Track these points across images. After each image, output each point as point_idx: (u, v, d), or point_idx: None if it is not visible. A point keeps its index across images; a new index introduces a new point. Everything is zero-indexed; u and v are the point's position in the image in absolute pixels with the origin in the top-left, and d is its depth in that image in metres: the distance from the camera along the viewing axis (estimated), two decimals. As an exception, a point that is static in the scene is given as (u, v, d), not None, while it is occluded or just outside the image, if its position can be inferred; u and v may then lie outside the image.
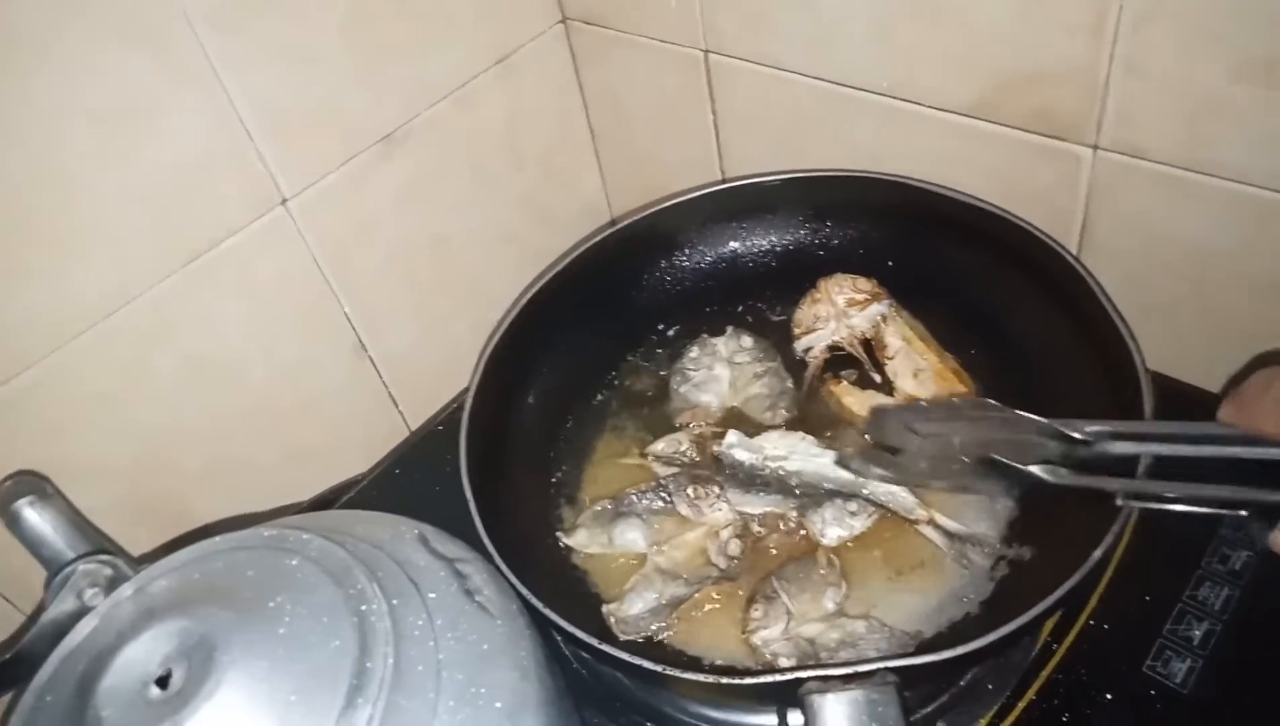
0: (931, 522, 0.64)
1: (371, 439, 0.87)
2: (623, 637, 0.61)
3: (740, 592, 0.64)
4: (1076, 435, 0.54)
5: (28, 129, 0.60)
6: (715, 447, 0.69)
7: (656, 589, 0.64)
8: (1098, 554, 0.51)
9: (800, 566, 0.64)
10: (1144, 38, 0.60)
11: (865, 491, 0.65)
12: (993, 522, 0.64)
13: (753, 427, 0.71)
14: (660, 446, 0.71)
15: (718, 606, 0.64)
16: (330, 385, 0.83)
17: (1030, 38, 0.64)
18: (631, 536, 0.67)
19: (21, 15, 0.57)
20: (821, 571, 0.63)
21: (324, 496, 0.83)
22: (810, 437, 0.69)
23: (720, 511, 0.67)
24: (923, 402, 0.68)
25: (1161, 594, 0.61)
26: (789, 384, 0.75)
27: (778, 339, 0.78)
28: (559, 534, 0.68)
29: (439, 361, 0.90)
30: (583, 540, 0.68)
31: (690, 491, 0.67)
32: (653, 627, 0.62)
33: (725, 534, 0.66)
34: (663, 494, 0.68)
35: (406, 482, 0.80)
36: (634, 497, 0.68)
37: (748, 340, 0.77)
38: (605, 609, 0.63)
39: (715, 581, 0.64)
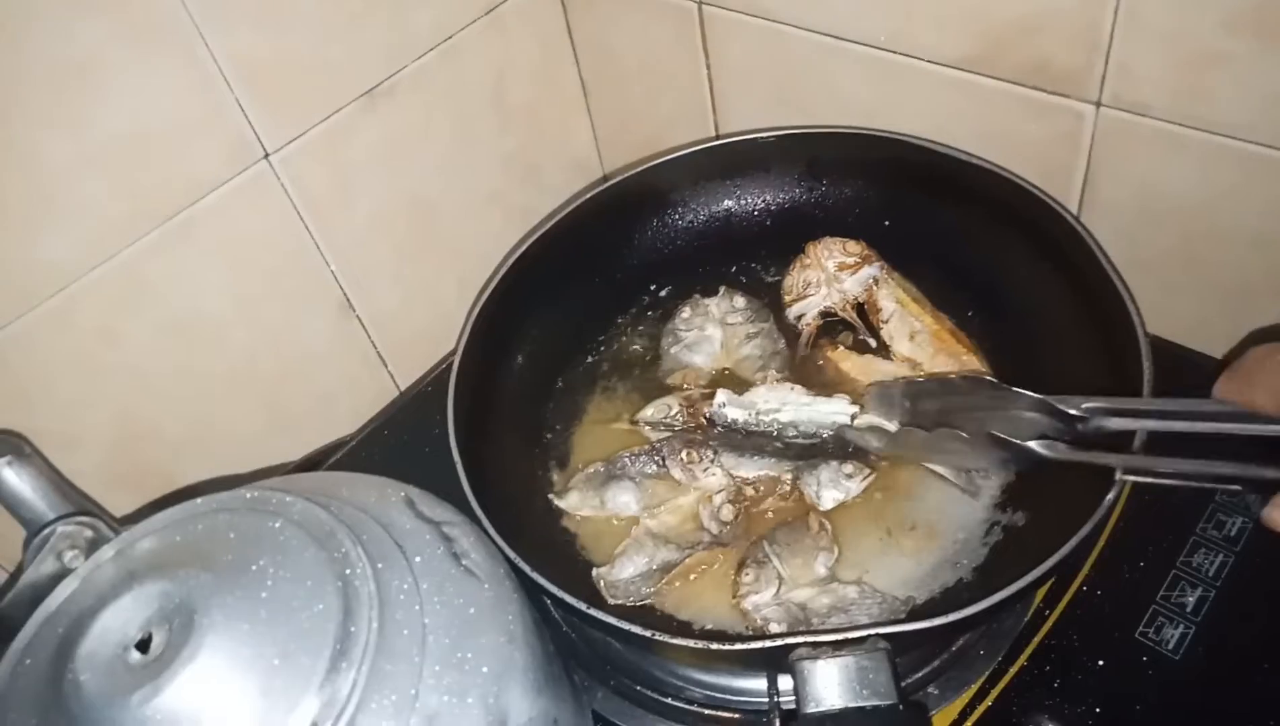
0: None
1: (359, 400, 0.86)
2: (612, 602, 0.61)
3: (729, 558, 0.63)
4: (1072, 411, 0.54)
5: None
6: (706, 409, 0.69)
7: (648, 553, 0.63)
8: (1091, 523, 0.51)
9: (791, 531, 0.63)
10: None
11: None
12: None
13: (745, 388, 0.70)
14: (650, 412, 0.71)
15: (709, 571, 0.63)
16: (316, 345, 0.82)
17: (1030, -11, 0.62)
18: (624, 499, 0.66)
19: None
20: (813, 536, 0.62)
21: (311, 458, 0.81)
22: (800, 387, 0.68)
23: (714, 476, 0.66)
24: (919, 379, 0.67)
25: (1155, 560, 0.61)
26: (781, 345, 0.74)
27: (771, 300, 0.76)
28: (550, 496, 0.68)
29: (428, 320, 0.89)
30: (574, 502, 0.67)
31: (684, 455, 0.67)
32: (643, 591, 0.61)
33: (718, 499, 0.65)
34: (656, 458, 0.67)
35: (395, 444, 0.79)
36: (627, 460, 0.68)
37: (740, 300, 0.76)
38: (595, 573, 0.62)
39: (707, 546, 0.63)
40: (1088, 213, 0.70)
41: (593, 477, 0.68)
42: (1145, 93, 0.62)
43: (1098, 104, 0.64)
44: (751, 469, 0.66)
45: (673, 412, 0.70)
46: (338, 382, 0.84)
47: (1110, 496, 0.51)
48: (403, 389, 0.89)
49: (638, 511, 0.66)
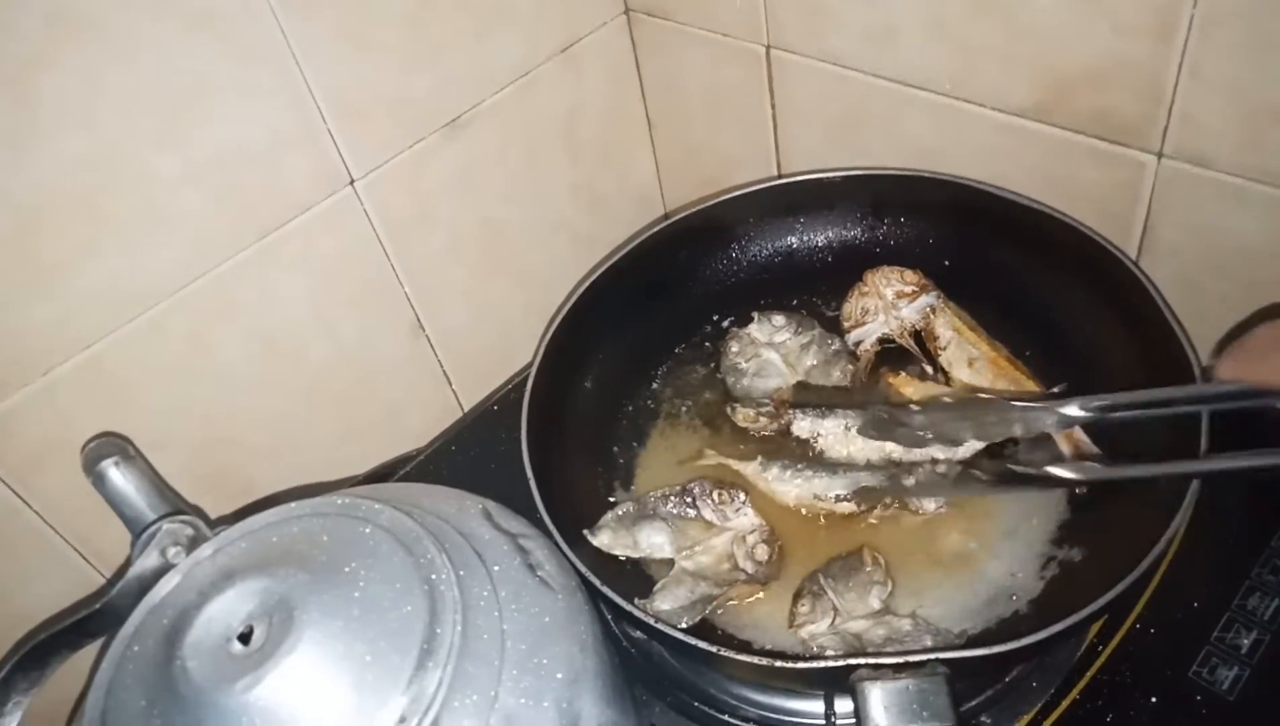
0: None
1: (425, 417, 0.89)
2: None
3: (770, 593, 0.64)
4: (1074, 413, 0.55)
5: (96, 110, 0.61)
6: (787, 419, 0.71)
7: (687, 588, 0.64)
8: (1147, 561, 0.52)
9: (846, 564, 0.64)
10: (1212, 44, 0.60)
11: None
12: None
13: (823, 394, 0.73)
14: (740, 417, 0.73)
15: (760, 599, 0.64)
16: (388, 363, 0.85)
17: (1091, 40, 0.64)
18: (657, 541, 0.66)
19: (96, 1, 0.59)
20: (868, 569, 0.64)
21: (378, 471, 0.85)
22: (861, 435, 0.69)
23: (745, 516, 0.67)
24: (913, 407, 0.67)
25: (1210, 601, 0.62)
26: (837, 344, 0.77)
27: (830, 332, 0.78)
28: (585, 532, 0.67)
29: (492, 342, 0.92)
30: (607, 541, 0.67)
31: (714, 496, 0.67)
32: (682, 624, 0.61)
33: (751, 539, 0.66)
34: (686, 499, 0.68)
35: (461, 460, 0.82)
36: (656, 502, 0.68)
37: (779, 318, 0.78)
38: (637, 602, 0.61)
39: (744, 584, 0.64)
40: (1147, 258, 0.71)
41: (624, 518, 0.68)
42: (1208, 145, 0.64)
43: (1159, 154, 0.66)
44: (843, 484, 0.67)
45: (763, 411, 0.72)
46: (405, 398, 0.88)
47: (1169, 533, 0.52)
48: (465, 406, 0.92)
49: (671, 553, 0.66)
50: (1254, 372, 0.44)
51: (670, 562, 0.66)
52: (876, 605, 0.62)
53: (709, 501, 0.67)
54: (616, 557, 0.67)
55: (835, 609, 0.62)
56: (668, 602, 0.63)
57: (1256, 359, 0.44)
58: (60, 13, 0.58)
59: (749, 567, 0.65)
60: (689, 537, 0.67)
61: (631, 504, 0.68)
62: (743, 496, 0.68)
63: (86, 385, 0.67)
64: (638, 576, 0.66)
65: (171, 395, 0.72)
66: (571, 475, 0.69)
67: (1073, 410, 0.57)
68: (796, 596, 0.63)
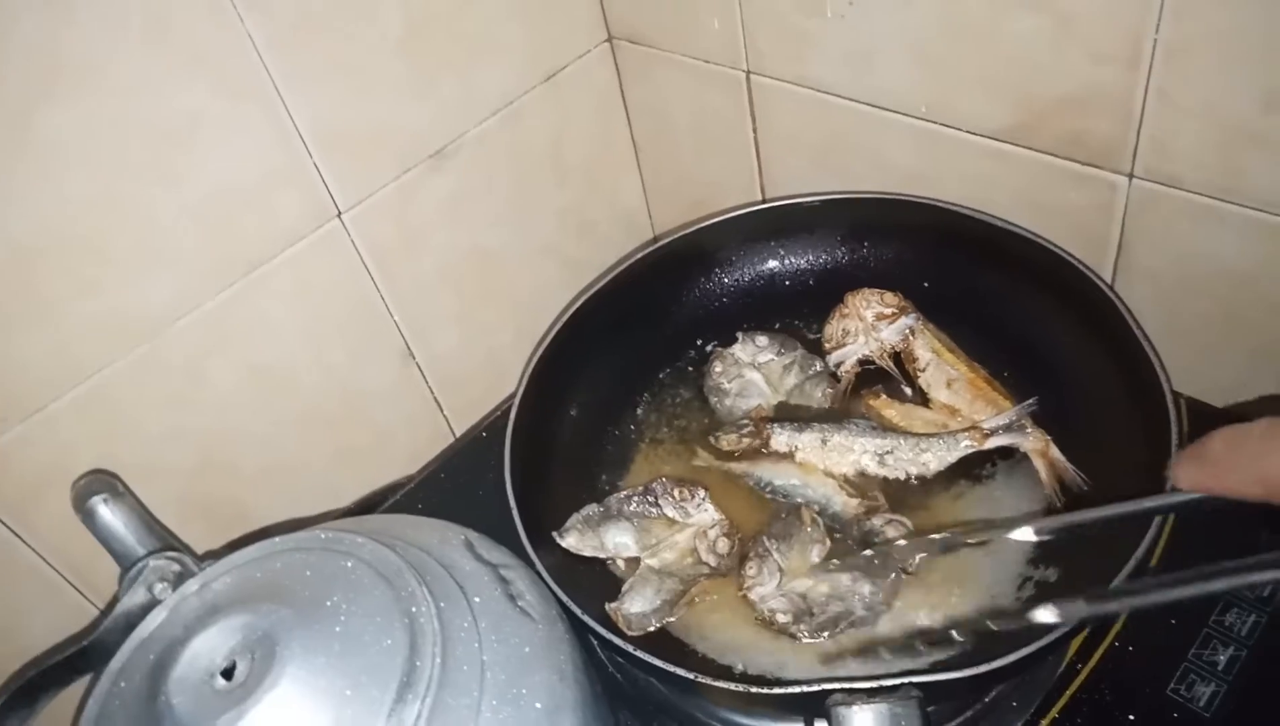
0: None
1: (416, 443, 0.90)
2: (629, 634, 0.63)
3: (733, 585, 0.67)
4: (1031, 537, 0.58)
5: (92, 150, 0.63)
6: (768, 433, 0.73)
7: (654, 586, 0.66)
8: (1120, 578, 0.53)
9: (785, 524, 0.67)
10: (1178, 68, 0.61)
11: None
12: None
13: (804, 414, 0.75)
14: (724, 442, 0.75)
15: (718, 599, 0.66)
16: (378, 391, 0.86)
17: (1064, 66, 0.66)
18: (622, 540, 0.68)
19: (86, 43, 0.60)
20: (807, 528, 0.67)
21: (370, 498, 0.86)
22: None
23: (706, 512, 0.69)
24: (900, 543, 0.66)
25: (1188, 617, 0.62)
26: (819, 366, 0.78)
27: (812, 355, 0.79)
28: (554, 534, 0.68)
29: (482, 368, 0.93)
30: (574, 543, 0.68)
31: (675, 493, 0.69)
32: (653, 624, 0.64)
33: (713, 533, 0.68)
34: (649, 498, 0.70)
35: (451, 487, 0.83)
36: (618, 502, 0.70)
37: (762, 339, 0.79)
38: (608, 606, 0.64)
39: (708, 577, 0.67)
40: (1123, 278, 0.72)
41: (590, 519, 0.69)
42: (1177, 166, 0.65)
43: (1130, 175, 0.67)
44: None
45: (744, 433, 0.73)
46: (397, 425, 0.89)
47: (1141, 551, 0.53)
48: (457, 432, 0.93)
49: (637, 552, 0.68)
50: (1212, 480, 0.42)
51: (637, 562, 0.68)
52: (815, 559, 0.65)
53: (670, 498, 0.69)
54: (602, 583, 0.67)
55: (780, 569, 0.64)
56: (637, 604, 0.65)
57: (1215, 465, 0.42)
58: (58, 54, 0.59)
59: (711, 560, 0.68)
60: (653, 535, 0.69)
61: (596, 506, 0.70)
62: (702, 492, 0.70)
63: (84, 417, 0.68)
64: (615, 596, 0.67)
65: (167, 424, 0.73)
66: (556, 502, 0.70)
67: (1028, 534, 0.57)
68: (743, 560, 0.66)
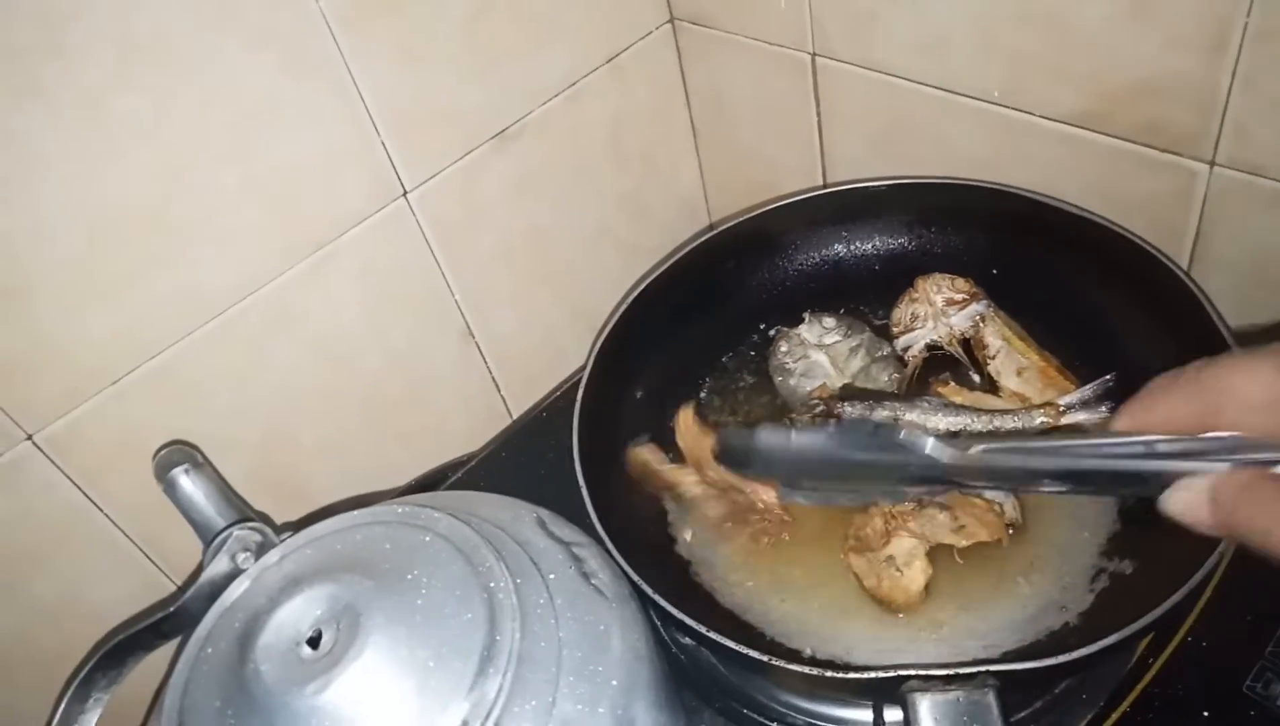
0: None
1: (474, 423, 0.91)
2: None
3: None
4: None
5: (164, 129, 0.63)
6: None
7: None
8: (1199, 574, 0.52)
9: None
10: (1268, 54, 0.59)
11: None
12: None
13: (870, 397, 0.74)
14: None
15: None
16: (438, 370, 0.87)
17: (1144, 50, 0.64)
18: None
19: (158, 24, 0.61)
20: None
21: (430, 476, 0.86)
22: None
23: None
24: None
25: (1264, 614, 0.61)
26: (886, 349, 0.78)
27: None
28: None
29: (539, 349, 0.93)
30: None
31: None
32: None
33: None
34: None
35: (513, 466, 0.83)
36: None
37: (829, 321, 0.79)
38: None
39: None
40: (1199, 267, 0.71)
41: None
42: (1261, 154, 0.63)
43: (1212, 163, 0.66)
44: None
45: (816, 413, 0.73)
46: (455, 405, 0.89)
47: (1221, 545, 0.52)
48: (514, 413, 0.94)
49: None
50: (1146, 422, 0.41)
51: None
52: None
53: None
54: (668, 565, 0.68)
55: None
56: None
57: (1149, 410, 0.41)
58: (131, 36, 0.60)
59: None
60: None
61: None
62: None
63: (154, 391, 0.69)
64: (690, 584, 0.67)
65: (233, 401, 0.74)
66: (622, 483, 0.70)
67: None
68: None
